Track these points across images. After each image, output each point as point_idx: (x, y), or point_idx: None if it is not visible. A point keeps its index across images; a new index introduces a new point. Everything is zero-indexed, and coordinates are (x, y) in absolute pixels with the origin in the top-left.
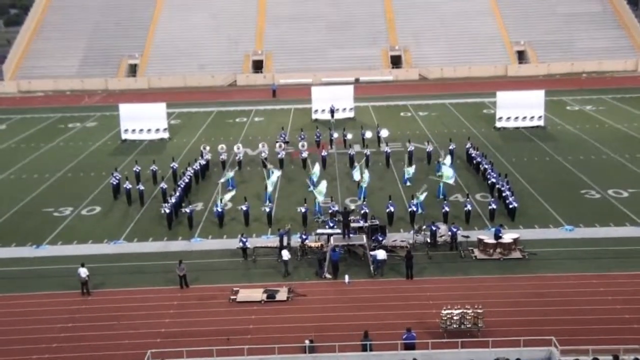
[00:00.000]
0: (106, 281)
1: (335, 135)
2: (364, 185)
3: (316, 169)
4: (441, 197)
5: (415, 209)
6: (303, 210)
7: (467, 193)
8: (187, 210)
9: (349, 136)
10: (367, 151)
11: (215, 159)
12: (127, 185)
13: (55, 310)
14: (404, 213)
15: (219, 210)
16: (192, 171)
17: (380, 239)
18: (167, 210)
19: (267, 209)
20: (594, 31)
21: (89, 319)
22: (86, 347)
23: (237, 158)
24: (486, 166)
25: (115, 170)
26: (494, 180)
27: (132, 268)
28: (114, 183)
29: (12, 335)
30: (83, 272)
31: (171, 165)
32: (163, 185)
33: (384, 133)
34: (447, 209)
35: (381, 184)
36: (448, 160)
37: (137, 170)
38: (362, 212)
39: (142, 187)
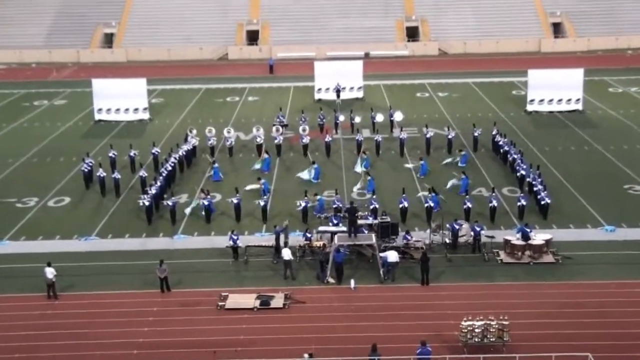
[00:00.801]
0: (75, 283)
1: (342, 118)
2: (368, 177)
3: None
4: (462, 193)
5: (433, 205)
6: (303, 204)
7: (493, 187)
8: (169, 202)
9: (357, 119)
10: (378, 137)
11: (203, 144)
12: (101, 173)
13: (16, 316)
14: (420, 209)
15: (205, 203)
16: (176, 158)
17: (409, 238)
18: (147, 203)
19: (262, 203)
20: None
21: (56, 326)
22: (53, 358)
23: (227, 143)
24: (515, 156)
25: (87, 156)
26: (523, 172)
27: (105, 268)
28: (86, 170)
29: None
30: (50, 272)
31: (152, 150)
32: (142, 173)
33: (398, 116)
34: (469, 204)
35: (394, 175)
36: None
37: (113, 156)
38: (372, 207)
39: (118, 176)
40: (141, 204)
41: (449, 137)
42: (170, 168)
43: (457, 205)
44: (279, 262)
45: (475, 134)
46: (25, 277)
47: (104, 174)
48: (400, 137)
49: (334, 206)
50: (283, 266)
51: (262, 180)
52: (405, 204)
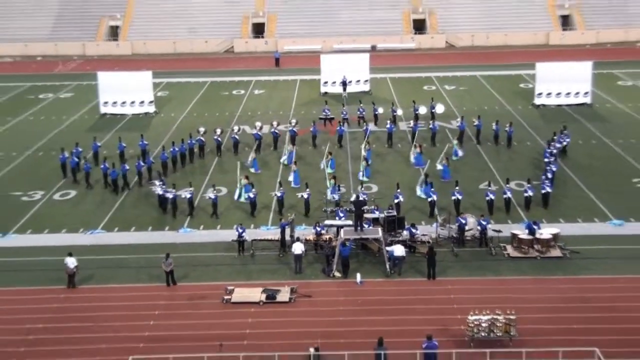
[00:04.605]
0: (82, 277)
1: (381, 110)
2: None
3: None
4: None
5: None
6: (335, 197)
7: (507, 178)
8: (211, 196)
9: (399, 112)
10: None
11: (211, 143)
12: (104, 165)
13: (24, 309)
14: (418, 202)
15: (250, 196)
16: (175, 151)
17: (415, 231)
18: (170, 195)
19: (306, 195)
20: None
21: (62, 320)
22: (59, 353)
23: (254, 134)
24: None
25: (77, 146)
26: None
27: (111, 262)
28: (62, 160)
29: None
30: (71, 262)
31: (139, 143)
32: (149, 160)
33: (440, 109)
34: (491, 196)
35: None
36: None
37: (95, 148)
38: (397, 201)
39: (127, 167)
40: (160, 191)
41: (433, 128)
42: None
43: (478, 197)
44: (285, 256)
45: (477, 124)
46: (32, 270)
47: (110, 167)
48: (435, 126)
49: (361, 198)
50: (294, 260)
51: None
52: (434, 197)
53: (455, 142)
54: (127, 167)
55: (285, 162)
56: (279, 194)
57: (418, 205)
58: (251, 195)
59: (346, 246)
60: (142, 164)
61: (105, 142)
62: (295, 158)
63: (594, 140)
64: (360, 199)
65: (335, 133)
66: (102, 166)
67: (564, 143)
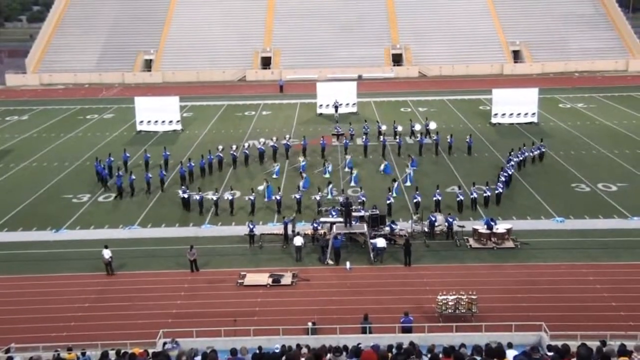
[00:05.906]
0: (121, 264)
1: (384, 127)
2: (354, 172)
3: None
4: (408, 183)
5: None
6: (339, 198)
7: (473, 182)
8: (230, 197)
9: (400, 128)
10: (424, 139)
11: (228, 157)
12: (132, 175)
13: (74, 291)
14: (405, 203)
15: (277, 197)
16: (191, 165)
17: (394, 227)
18: (215, 197)
19: (298, 196)
20: (587, 32)
21: (105, 300)
22: (102, 326)
23: (265, 146)
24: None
25: (109, 156)
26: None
27: (145, 252)
28: (100, 169)
29: (31, 314)
30: (107, 253)
31: (162, 154)
32: (161, 173)
33: (432, 125)
34: (461, 197)
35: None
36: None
37: (125, 158)
38: (388, 202)
39: (150, 176)
40: (188, 196)
41: (399, 142)
42: (186, 170)
43: (452, 198)
44: (288, 247)
45: (449, 141)
46: (80, 259)
47: (151, 175)
48: (436, 139)
49: (359, 200)
50: (295, 251)
51: (305, 175)
52: (419, 199)
53: (407, 159)
54: (134, 177)
55: (300, 171)
56: (298, 196)
57: (406, 206)
58: (277, 197)
59: (338, 239)
60: (150, 175)
61: (141, 153)
62: (305, 168)
63: None
64: (356, 200)
65: (319, 145)
66: (117, 173)
67: (536, 152)
